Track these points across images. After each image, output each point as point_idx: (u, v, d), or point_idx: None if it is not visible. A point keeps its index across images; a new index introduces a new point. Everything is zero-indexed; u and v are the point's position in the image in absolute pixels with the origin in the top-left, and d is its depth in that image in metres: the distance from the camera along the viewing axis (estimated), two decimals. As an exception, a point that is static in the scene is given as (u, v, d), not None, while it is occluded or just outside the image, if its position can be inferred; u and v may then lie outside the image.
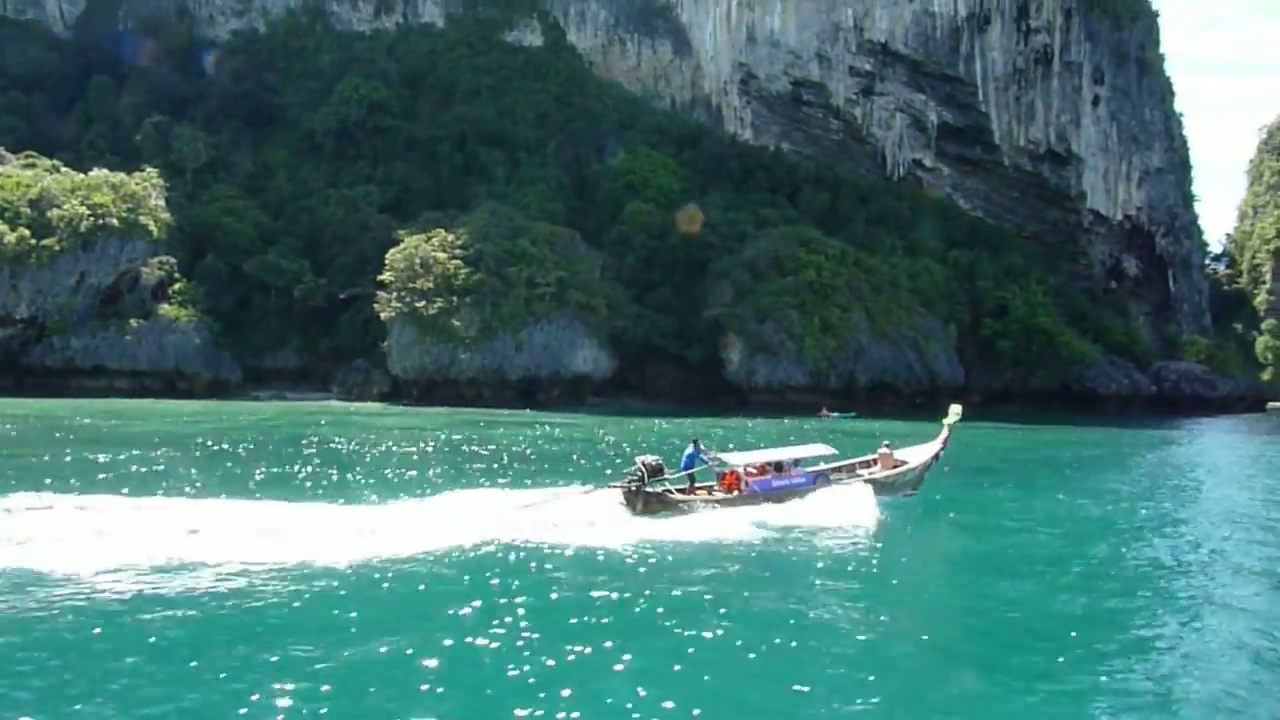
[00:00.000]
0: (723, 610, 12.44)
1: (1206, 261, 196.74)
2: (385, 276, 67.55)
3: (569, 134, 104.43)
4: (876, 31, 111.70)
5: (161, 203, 77.99)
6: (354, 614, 11.89)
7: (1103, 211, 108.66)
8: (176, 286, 72.59)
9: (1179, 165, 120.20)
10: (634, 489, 19.37)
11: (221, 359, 71.13)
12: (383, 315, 66.58)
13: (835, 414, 59.18)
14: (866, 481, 21.30)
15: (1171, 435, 55.97)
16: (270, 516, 17.57)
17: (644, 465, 19.59)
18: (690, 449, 20.75)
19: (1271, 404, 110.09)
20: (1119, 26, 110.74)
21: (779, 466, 21.09)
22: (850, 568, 15.64)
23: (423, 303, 64.43)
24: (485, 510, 18.63)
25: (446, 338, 63.92)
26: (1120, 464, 37.08)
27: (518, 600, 12.59)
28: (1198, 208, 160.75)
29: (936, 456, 22.70)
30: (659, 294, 79.13)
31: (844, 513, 19.17)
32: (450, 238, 68.73)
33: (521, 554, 15.34)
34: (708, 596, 13.19)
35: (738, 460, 21.03)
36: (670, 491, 19.94)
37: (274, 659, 10.28)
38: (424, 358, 64.43)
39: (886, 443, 23.19)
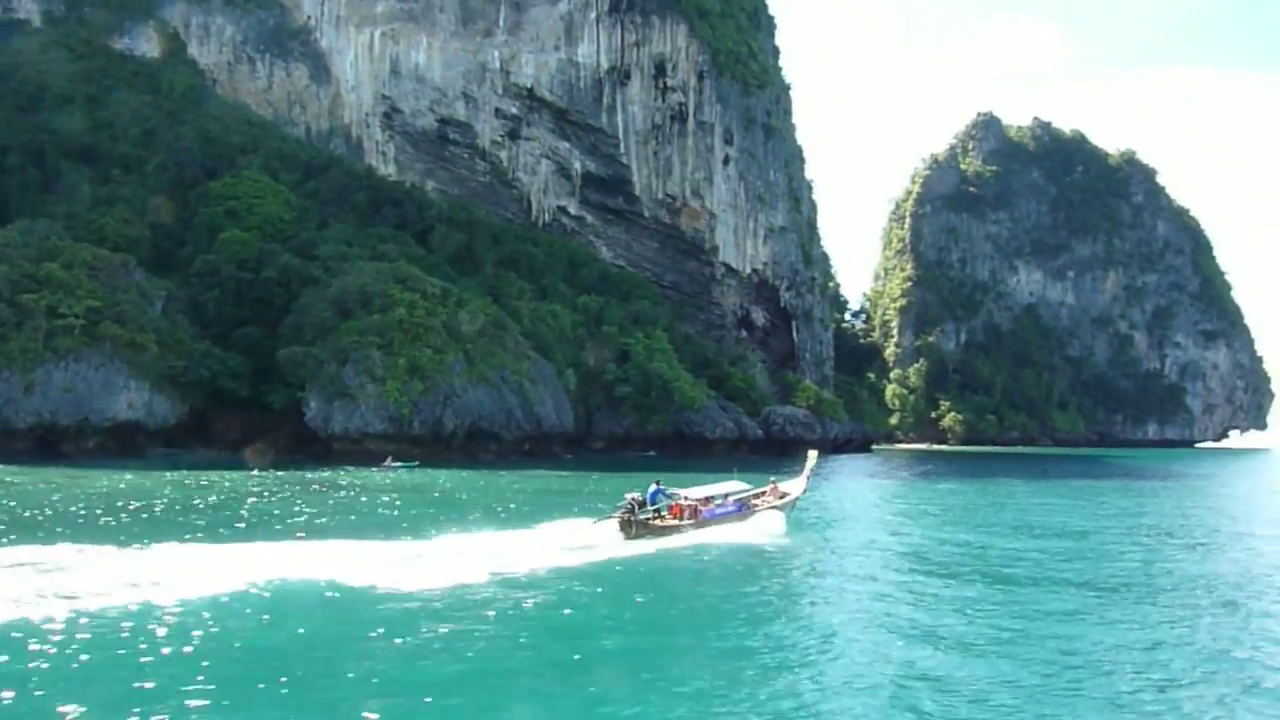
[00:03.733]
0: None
1: (847, 317, 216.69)
2: None
3: (176, 154, 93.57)
4: (523, 76, 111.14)
5: None
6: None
7: (733, 265, 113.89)
8: None
9: (804, 226, 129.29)
10: (627, 519, 25.03)
11: None
12: None
13: (398, 464, 54.39)
14: (774, 509, 28.13)
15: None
16: None
17: (634, 500, 25.57)
18: (654, 488, 26.58)
19: (876, 446, 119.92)
20: (748, 93, 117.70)
21: (712, 499, 27.33)
22: (776, 560, 23.71)
23: (-100, 334, 52.36)
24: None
25: (-72, 377, 52.19)
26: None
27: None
28: (841, 268, 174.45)
29: (804, 490, 30.54)
30: (247, 333, 70.88)
31: (767, 530, 26.70)
32: (-44, 258, 56.94)
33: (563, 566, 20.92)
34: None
35: (690, 494, 26.72)
36: (652, 519, 25.65)
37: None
38: (-107, 401, 52.16)
39: (773, 479, 30.09)
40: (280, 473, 47.30)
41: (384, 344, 63.11)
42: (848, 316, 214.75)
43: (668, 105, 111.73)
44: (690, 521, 26.02)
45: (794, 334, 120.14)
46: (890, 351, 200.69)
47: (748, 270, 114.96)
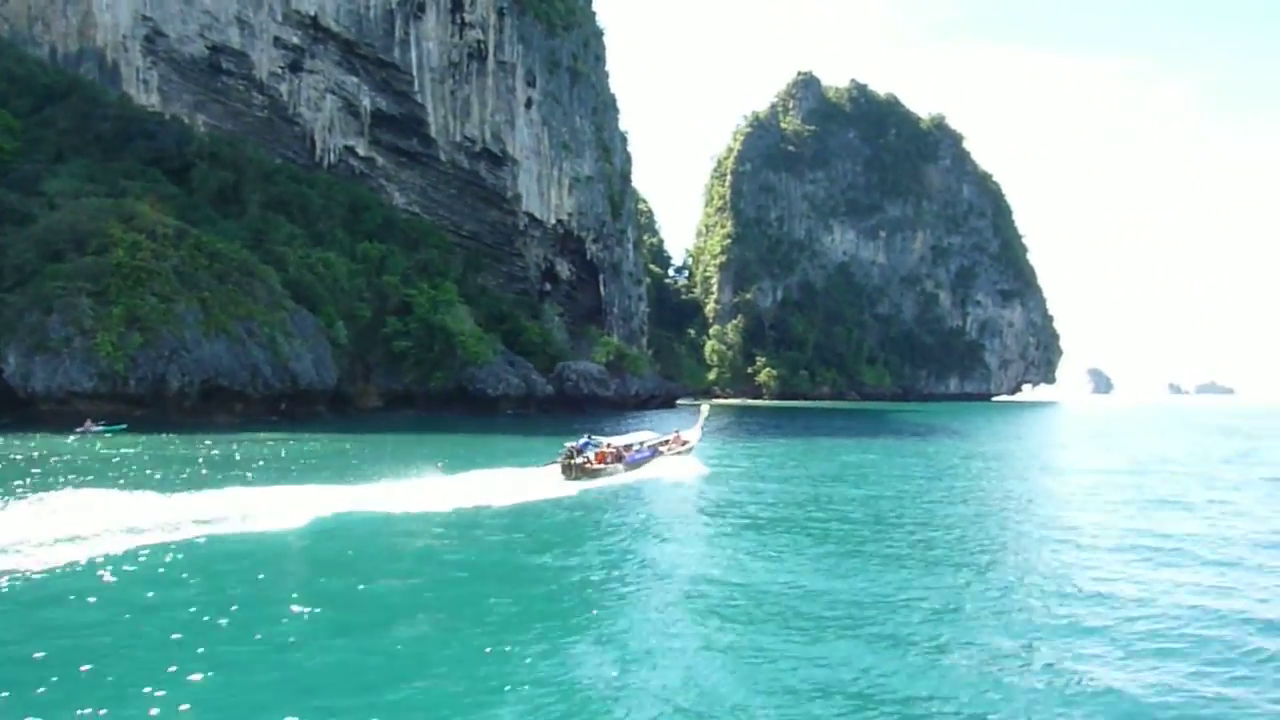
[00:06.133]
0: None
1: (670, 273, 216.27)
2: None
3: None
4: (305, 3, 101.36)
5: None
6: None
7: (537, 215, 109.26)
8: None
9: (615, 177, 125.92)
10: (568, 464, 29.17)
11: None
12: None
13: (101, 427, 47.54)
14: (679, 454, 33.62)
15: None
16: None
17: (572, 449, 29.92)
18: (585, 439, 30.88)
19: (683, 401, 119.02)
20: (552, 34, 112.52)
21: (632, 446, 32.28)
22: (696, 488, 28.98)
23: None
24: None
25: None
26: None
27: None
28: (668, 224, 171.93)
29: (700, 439, 36.80)
30: (-58, 277, 61.03)
31: (682, 470, 31.97)
32: None
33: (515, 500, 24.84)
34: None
35: (613, 442, 31.66)
36: (588, 464, 29.52)
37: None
38: None
39: (676, 429, 37.23)
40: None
41: (98, 291, 55.20)
42: (671, 273, 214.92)
43: (465, 42, 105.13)
44: (617, 465, 30.33)
45: (601, 288, 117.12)
46: (710, 308, 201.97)
47: (552, 221, 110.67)
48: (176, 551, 17.13)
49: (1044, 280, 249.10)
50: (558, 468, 29.13)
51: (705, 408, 38.71)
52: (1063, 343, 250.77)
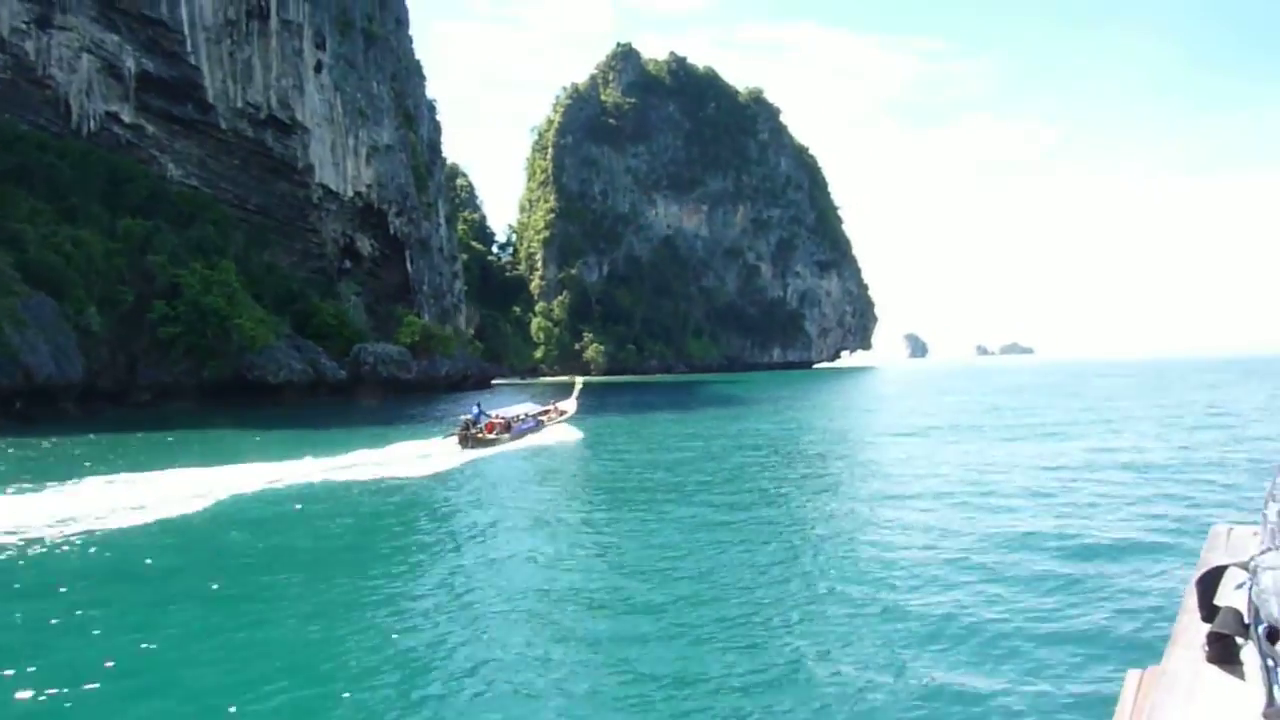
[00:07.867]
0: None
1: (494, 249, 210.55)
2: None
3: None
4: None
5: None
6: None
7: (332, 186, 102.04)
8: None
9: (422, 148, 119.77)
10: (464, 434, 31.97)
11: None
12: None
13: None
14: (558, 422, 38.45)
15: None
16: None
17: (466, 420, 32.90)
18: (476, 410, 34.17)
19: (498, 381, 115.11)
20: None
21: (518, 418, 36.51)
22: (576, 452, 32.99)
23: None
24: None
25: None
26: None
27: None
28: (492, 200, 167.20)
29: (576, 409, 41.65)
30: None
31: (558, 437, 36.02)
32: None
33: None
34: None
35: (501, 413, 36.28)
36: (481, 434, 32.41)
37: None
38: None
39: (554, 401, 42.89)
40: None
41: None
42: (495, 249, 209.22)
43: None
44: (506, 435, 33.58)
45: (408, 265, 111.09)
46: (536, 284, 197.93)
47: (349, 193, 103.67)
48: None
49: (859, 251, 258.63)
50: (455, 439, 31.90)
51: (579, 382, 46.42)
52: (879, 310, 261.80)
